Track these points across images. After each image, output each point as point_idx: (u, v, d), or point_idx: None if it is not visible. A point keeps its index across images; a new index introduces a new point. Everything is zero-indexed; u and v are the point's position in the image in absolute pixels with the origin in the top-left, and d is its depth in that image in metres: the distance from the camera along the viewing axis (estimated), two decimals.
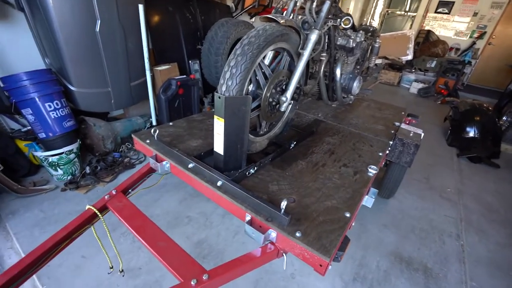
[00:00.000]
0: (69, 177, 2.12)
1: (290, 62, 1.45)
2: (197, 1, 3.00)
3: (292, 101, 1.52)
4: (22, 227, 1.72)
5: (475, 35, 6.44)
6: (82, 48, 2.00)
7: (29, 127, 2.01)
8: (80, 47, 1.99)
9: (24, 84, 1.82)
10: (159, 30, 2.82)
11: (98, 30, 2.00)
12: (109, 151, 2.37)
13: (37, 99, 1.88)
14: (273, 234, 1.05)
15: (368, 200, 1.36)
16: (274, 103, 1.39)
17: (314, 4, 1.37)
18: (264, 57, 1.44)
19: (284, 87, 1.40)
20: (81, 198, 2.01)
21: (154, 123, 2.61)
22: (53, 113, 1.95)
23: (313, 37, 1.35)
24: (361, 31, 1.72)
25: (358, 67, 2.10)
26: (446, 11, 6.35)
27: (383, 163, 1.96)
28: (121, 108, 2.58)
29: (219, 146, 1.25)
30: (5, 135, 2.01)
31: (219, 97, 1.12)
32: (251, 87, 1.32)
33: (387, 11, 6.81)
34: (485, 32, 6.39)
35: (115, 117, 2.81)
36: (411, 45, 6.30)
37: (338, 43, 1.63)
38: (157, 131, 1.52)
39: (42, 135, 1.97)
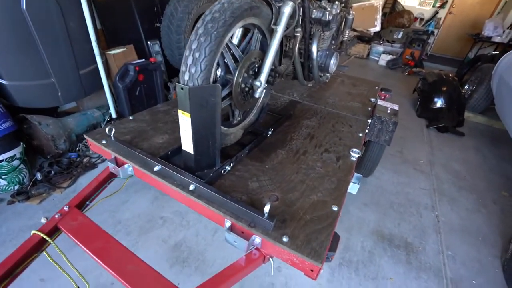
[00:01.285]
0: (16, 187, 1.83)
1: (262, 40, 1.27)
2: None
3: (266, 85, 1.37)
4: None
5: (438, 4, 6.56)
6: (7, 30, 1.63)
7: None
8: (3, 30, 1.62)
9: None
10: (107, 7, 2.42)
11: (24, 7, 1.63)
12: (63, 152, 2.08)
13: None
14: (257, 240, 0.94)
15: (352, 187, 1.30)
16: (247, 89, 1.22)
17: None
18: (232, 36, 1.25)
19: (257, 70, 1.23)
20: (34, 210, 1.75)
21: (114, 115, 2.32)
22: None
23: (287, 9, 1.17)
24: (336, 2, 1.57)
25: (333, 42, 1.97)
26: None
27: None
28: (71, 101, 2.24)
29: (187, 144, 1.09)
30: None
31: (182, 88, 0.93)
32: (219, 72, 1.14)
33: None
34: (446, 1, 6.52)
35: (66, 111, 2.46)
36: (379, 16, 6.27)
37: (313, 16, 1.47)
38: (113, 130, 1.29)
39: None
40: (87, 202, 1.21)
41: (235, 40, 1.29)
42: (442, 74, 3.57)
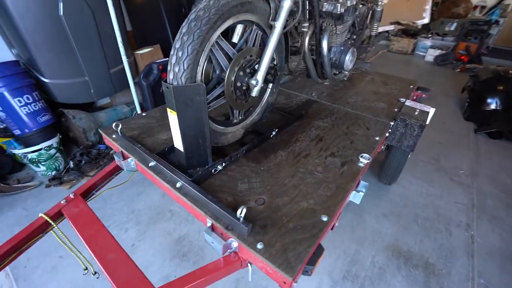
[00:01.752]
0: (53, 173, 2.07)
1: (263, 37, 1.22)
2: None
3: (269, 84, 1.32)
4: (4, 226, 1.71)
5: None
6: (47, 35, 1.84)
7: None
8: (45, 35, 1.83)
9: None
10: (137, 10, 2.59)
11: (62, 13, 1.82)
12: (93, 143, 2.29)
13: (5, 94, 1.77)
14: (234, 243, 0.91)
15: (356, 196, 1.19)
16: (244, 88, 1.19)
17: None
18: (232, 33, 1.23)
19: (255, 68, 1.19)
20: (64, 194, 1.95)
21: (139, 111, 2.48)
22: (24, 108, 1.85)
23: (286, 4, 1.11)
24: None
25: (354, 36, 1.81)
26: None
27: (383, 146, 1.74)
28: (102, 97, 2.45)
29: (178, 142, 1.10)
30: None
31: (167, 87, 0.94)
32: (212, 71, 1.13)
33: None
34: None
35: (101, 106, 2.70)
36: (428, 7, 5.62)
37: (323, 9, 1.37)
38: (120, 126, 1.37)
39: (17, 132, 1.90)
40: (93, 192, 1.31)
41: (236, 38, 1.27)
42: (499, 71, 3.06)
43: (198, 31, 0.90)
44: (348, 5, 1.42)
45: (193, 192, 1.01)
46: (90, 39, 2.04)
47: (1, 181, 1.96)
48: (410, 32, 5.61)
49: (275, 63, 1.30)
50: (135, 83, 2.32)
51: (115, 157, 1.37)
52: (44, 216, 1.08)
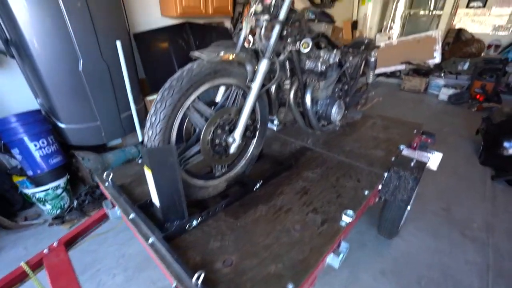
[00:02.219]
0: (57, 211, 2.18)
1: (244, 95, 1.30)
2: (190, 27, 3.01)
3: (252, 139, 1.37)
4: (3, 265, 1.78)
5: None
6: (67, 87, 2.08)
7: None
8: (65, 87, 2.07)
9: (13, 126, 1.94)
10: (151, 60, 2.87)
11: (81, 69, 2.07)
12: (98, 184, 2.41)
13: (24, 139, 1.98)
14: None
15: (334, 259, 1.12)
16: (223, 145, 1.24)
17: (263, 30, 1.22)
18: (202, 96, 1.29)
19: (233, 126, 1.25)
20: (64, 233, 2.04)
21: None
22: (39, 151, 2.04)
23: (262, 67, 1.19)
24: (335, 50, 1.51)
25: (345, 87, 1.86)
26: (480, 4, 5.62)
27: (376, 199, 1.66)
28: (112, 140, 2.64)
29: (155, 197, 1.14)
30: (2, 172, 2.15)
31: (143, 148, 1.01)
32: (193, 129, 1.20)
33: (409, 12, 6.26)
34: None
35: (113, 147, 2.89)
36: (438, 47, 5.66)
37: (305, 67, 1.44)
38: (111, 175, 1.46)
39: (30, 173, 2.07)
40: (79, 239, 1.36)
41: (219, 96, 1.35)
42: None
43: (170, 99, 0.99)
44: (331, 62, 1.48)
45: (162, 250, 1.02)
46: (104, 88, 2.26)
47: (10, 218, 2.09)
48: (421, 71, 5.61)
49: (256, 120, 1.35)
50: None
51: (103, 205, 1.44)
52: (24, 265, 1.13)
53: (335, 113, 1.60)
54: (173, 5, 2.70)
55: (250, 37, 1.29)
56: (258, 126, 1.43)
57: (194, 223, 1.19)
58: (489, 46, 5.70)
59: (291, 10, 1.34)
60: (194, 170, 1.32)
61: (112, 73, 2.25)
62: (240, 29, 1.30)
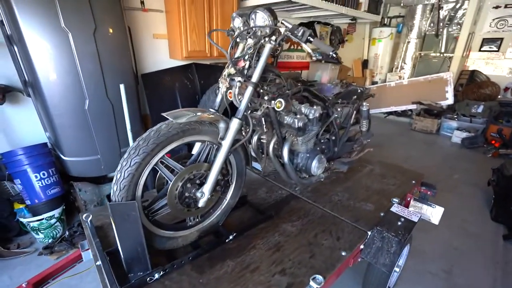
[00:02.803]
0: (49, 241, 2.24)
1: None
2: (196, 67, 3.21)
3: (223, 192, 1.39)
4: None
5: None
6: (72, 123, 2.25)
7: None
8: (70, 123, 2.24)
9: (18, 158, 2.09)
10: (156, 97, 3.06)
11: (87, 108, 2.24)
12: None
13: (27, 170, 2.12)
14: None
15: None
16: (192, 198, 1.26)
17: (236, 91, 1.28)
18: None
19: (203, 181, 1.27)
20: (51, 263, 2.07)
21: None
22: (39, 182, 2.16)
23: (232, 126, 1.24)
24: (315, 106, 1.54)
25: (332, 137, 1.86)
26: (494, 48, 5.57)
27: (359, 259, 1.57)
28: (111, 172, 2.74)
29: (120, 248, 1.16)
30: (3, 199, 2.28)
31: (108, 203, 1.06)
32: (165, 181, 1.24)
33: (420, 53, 6.31)
34: None
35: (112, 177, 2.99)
36: (450, 88, 5.58)
37: (285, 121, 1.48)
38: (91, 216, 1.51)
39: (28, 202, 2.18)
40: (50, 280, 1.38)
41: (195, 151, 1.39)
42: None
43: (136, 157, 1.04)
44: (310, 117, 1.51)
45: None
46: (107, 125, 2.42)
47: (4, 244, 2.18)
48: (433, 112, 5.50)
49: (228, 174, 1.37)
50: None
51: (79, 245, 1.47)
52: None
53: (315, 167, 1.59)
54: (179, 50, 2.92)
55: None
56: (233, 179, 1.45)
57: (156, 276, 1.19)
58: (506, 89, 5.53)
59: (269, 69, 1.42)
60: (165, 219, 1.35)
61: (115, 111, 2.41)
62: (218, 88, 1.38)
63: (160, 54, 3.16)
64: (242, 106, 1.25)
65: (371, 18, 4.70)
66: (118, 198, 1.05)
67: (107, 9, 2.20)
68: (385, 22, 6.61)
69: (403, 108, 6.08)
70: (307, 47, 1.19)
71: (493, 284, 1.98)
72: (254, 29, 1.24)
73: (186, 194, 1.24)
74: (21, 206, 2.27)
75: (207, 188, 1.24)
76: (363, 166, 2.57)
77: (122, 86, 2.24)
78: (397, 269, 1.85)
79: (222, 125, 1.27)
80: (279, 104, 1.31)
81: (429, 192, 2.31)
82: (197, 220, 1.41)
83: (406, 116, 6.14)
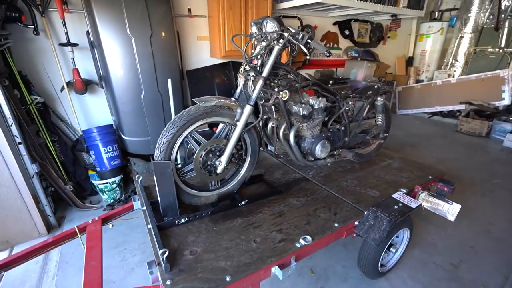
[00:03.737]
0: (111, 201, 2.88)
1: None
2: (232, 65, 3.62)
3: (240, 162, 1.73)
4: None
5: None
6: (132, 110, 2.83)
7: None
8: (130, 109, 2.82)
9: (93, 135, 2.75)
10: (198, 91, 3.55)
11: (142, 98, 2.80)
12: None
13: (99, 144, 2.76)
14: (159, 277, 1.25)
15: (278, 271, 1.35)
16: (213, 166, 1.63)
17: (250, 84, 1.61)
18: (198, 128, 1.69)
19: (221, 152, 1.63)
20: None
21: None
22: (106, 155, 2.79)
23: (245, 111, 1.57)
24: (320, 98, 1.78)
25: (342, 128, 2.06)
26: None
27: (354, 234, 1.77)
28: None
29: (158, 197, 1.59)
30: (82, 166, 2.99)
31: (152, 161, 1.49)
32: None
33: (475, 49, 5.77)
34: None
35: None
36: (508, 88, 5.03)
37: (292, 110, 1.75)
38: (140, 178, 2.00)
39: (98, 169, 2.84)
40: (112, 219, 1.91)
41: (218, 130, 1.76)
42: None
43: (172, 129, 1.45)
44: (315, 107, 1.76)
45: (153, 234, 1.44)
46: (157, 113, 2.96)
47: (81, 199, 2.87)
48: (484, 113, 5.04)
49: (242, 149, 1.70)
50: None
51: (132, 199, 1.97)
52: (75, 227, 1.70)
53: (318, 150, 1.83)
54: (218, 49, 3.35)
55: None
56: (247, 154, 1.79)
57: (183, 220, 1.59)
58: None
59: (281, 66, 1.70)
60: (194, 182, 1.75)
61: (163, 101, 2.94)
62: (240, 82, 1.72)
63: (202, 54, 3.65)
64: (254, 95, 1.57)
65: (412, 14, 4.55)
66: (158, 158, 1.47)
67: (161, 17, 2.72)
68: (436, 16, 6.21)
69: (449, 108, 5.67)
70: (305, 49, 1.45)
71: (503, 284, 1.96)
72: (265, 34, 1.55)
73: (208, 162, 1.62)
74: (93, 172, 2.95)
75: (224, 158, 1.59)
76: (382, 160, 2.67)
77: (169, 81, 2.74)
78: (393, 250, 1.98)
79: (238, 110, 1.61)
80: (284, 95, 1.60)
81: (446, 188, 2.33)
82: (218, 186, 1.78)
83: (453, 117, 5.72)
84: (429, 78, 6.39)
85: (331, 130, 2.02)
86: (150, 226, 1.51)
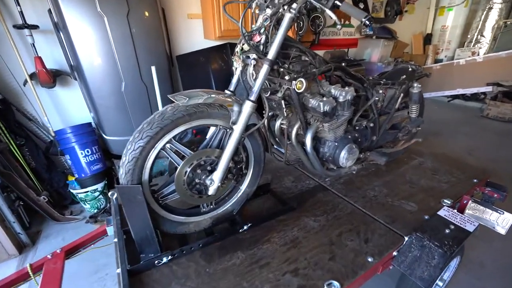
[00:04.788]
0: (95, 211, 2.50)
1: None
2: (231, 47, 3.10)
3: (247, 174, 1.30)
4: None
5: None
6: (111, 104, 2.39)
7: None
8: (109, 104, 2.38)
9: (67, 136, 2.32)
10: (190, 78, 3.07)
11: (123, 90, 2.34)
12: None
13: (75, 147, 2.34)
14: None
15: None
16: (203, 185, 1.20)
17: (251, 70, 1.14)
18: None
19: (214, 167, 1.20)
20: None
21: None
22: (85, 158, 2.38)
23: (245, 109, 1.12)
24: (347, 88, 1.31)
25: (371, 124, 1.60)
26: None
27: (390, 267, 1.36)
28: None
29: (130, 228, 1.18)
30: (59, 172, 2.59)
31: (116, 185, 1.06)
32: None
33: (505, 22, 5.10)
34: None
35: None
36: None
37: (309, 105, 1.29)
38: (115, 194, 1.59)
39: (76, 175, 2.43)
40: (80, 249, 1.51)
41: (208, 135, 1.31)
42: None
43: (139, 141, 1.01)
44: (340, 100, 1.30)
45: (122, 283, 1.04)
46: (143, 106, 2.51)
47: (60, 210, 2.49)
48: None
49: (242, 161, 1.26)
50: None
51: (105, 221, 1.57)
52: (28, 267, 1.30)
53: (344, 158, 1.38)
54: (212, 29, 2.83)
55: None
56: (250, 166, 1.35)
57: (165, 259, 1.18)
58: None
59: (292, 44, 1.23)
60: (179, 203, 1.33)
61: (149, 93, 2.48)
62: (236, 68, 1.25)
63: (194, 35, 3.13)
64: (256, 87, 1.11)
65: None
66: (124, 180, 1.05)
67: None
68: None
69: (474, 90, 5.09)
70: (332, 14, 0.97)
71: None
72: None
73: (196, 181, 1.19)
74: (73, 178, 2.55)
75: (217, 175, 1.16)
76: (410, 158, 2.22)
77: (153, 68, 2.27)
78: (440, 283, 1.58)
79: (235, 108, 1.16)
80: (299, 85, 1.13)
81: (496, 195, 1.88)
82: (211, 206, 1.36)
83: (477, 101, 5.16)
84: (449, 57, 5.77)
85: (357, 128, 1.56)
86: (118, 271, 1.11)
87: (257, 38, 1.12)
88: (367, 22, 0.96)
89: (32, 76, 2.26)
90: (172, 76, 2.81)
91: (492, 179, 1.97)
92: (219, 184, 1.18)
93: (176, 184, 1.14)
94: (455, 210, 1.50)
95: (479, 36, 5.33)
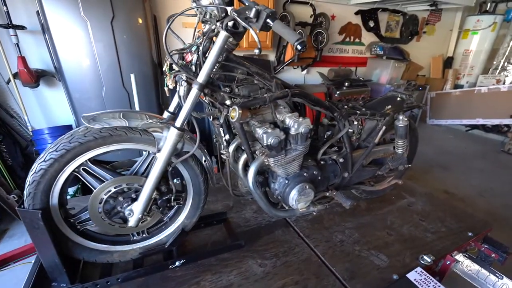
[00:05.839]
0: None
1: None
2: None
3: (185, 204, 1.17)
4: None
5: None
6: (91, 109, 2.35)
7: None
8: (89, 108, 2.36)
9: (44, 137, 2.31)
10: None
11: (103, 95, 2.31)
12: None
13: None
14: None
15: None
16: (121, 215, 1.08)
17: (182, 91, 1.01)
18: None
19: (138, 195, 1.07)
20: None
21: None
22: None
23: (170, 136, 0.99)
24: (302, 119, 1.14)
25: (340, 160, 1.41)
26: None
27: None
28: (124, 158, 2.84)
29: (38, 255, 1.07)
30: None
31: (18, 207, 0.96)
32: None
33: None
34: None
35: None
36: None
37: (256, 135, 1.13)
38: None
39: None
40: (11, 263, 1.43)
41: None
42: None
43: (42, 163, 0.91)
44: (292, 133, 1.13)
45: None
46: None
47: None
48: None
49: (162, 192, 1.11)
50: None
51: None
52: None
53: (293, 199, 1.19)
54: None
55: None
56: (188, 195, 1.21)
57: None
58: None
59: (235, 65, 1.08)
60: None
61: (131, 99, 2.43)
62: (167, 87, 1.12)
63: None
64: (183, 113, 0.98)
65: (459, 2, 3.62)
66: (27, 203, 0.95)
67: None
68: (487, 8, 5.11)
69: (496, 122, 4.66)
70: (256, 36, 0.82)
71: None
72: (200, 7, 0.95)
73: (116, 209, 1.07)
74: None
75: (137, 206, 1.04)
76: (399, 197, 1.97)
77: (132, 76, 2.23)
78: None
79: (164, 133, 1.03)
80: (233, 113, 0.98)
81: (493, 255, 1.60)
82: (144, 235, 1.23)
83: (499, 133, 4.70)
84: (471, 84, 5.35)
85: (322, 161, 1.38)
86: None
87: (188, 57, 1.00)
88: (298, 47, 0.80)
89: (16, 75, 2.28)
90: (161, 84, 2.76)
91: (496, 233, 1.68)
92: (140, 216, 1.05)
93: (90, 211, 1.03)
94: (430, 275, 1.26)
95: (506, 63, 4.90)
